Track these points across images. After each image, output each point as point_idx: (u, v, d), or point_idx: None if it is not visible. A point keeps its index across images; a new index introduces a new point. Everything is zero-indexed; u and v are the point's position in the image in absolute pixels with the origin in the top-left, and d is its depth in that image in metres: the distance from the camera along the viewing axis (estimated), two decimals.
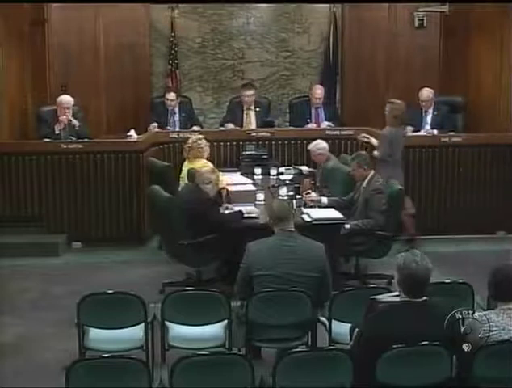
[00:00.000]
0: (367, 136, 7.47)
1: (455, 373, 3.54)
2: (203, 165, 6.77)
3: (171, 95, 8.69)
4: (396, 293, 3.67)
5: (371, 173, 6.44)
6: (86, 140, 7.76)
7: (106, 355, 3.71)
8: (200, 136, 7.19)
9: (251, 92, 8.80)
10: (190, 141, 7.08)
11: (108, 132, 9.01)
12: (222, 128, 8.73)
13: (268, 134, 8.37)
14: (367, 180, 6.41)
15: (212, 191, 6.15)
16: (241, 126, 8.70)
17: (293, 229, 4.66)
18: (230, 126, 8.64)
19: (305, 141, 7.79)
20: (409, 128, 8.28)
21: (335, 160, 7.33)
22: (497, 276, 3.64)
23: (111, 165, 7.54)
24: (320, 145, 7.29)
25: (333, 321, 4.41)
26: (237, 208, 6.22)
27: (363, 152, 6.78)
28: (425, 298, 3.53)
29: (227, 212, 6.25)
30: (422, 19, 9.55)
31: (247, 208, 6.21)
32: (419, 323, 3.47)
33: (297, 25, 9.79)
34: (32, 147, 7.65)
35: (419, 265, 3.51)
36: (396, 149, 7.11)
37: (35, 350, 5.21)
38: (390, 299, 3.72)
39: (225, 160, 8.17)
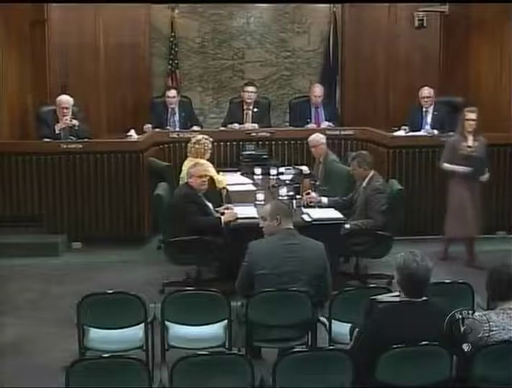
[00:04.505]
0: None
1: (455, 373, 3.54)
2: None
3: (172, 93, 8.70)
4: (396, 293, 3.66)
5: (371, 173, 6.43)
6: (85, 140, 7.76)
7: (106, 355, 3.70)
8: (207, 136, 7.16)
9: (252, 89, 8.80)
10: (199, 136, 7.06)
11: (108, 132, 9.01)
12: (223, 128, 8.72)
13: (268, 134, 8.38)
14: (366, 180, 6.41)
15: (203, 183, 6.14)
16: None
17: (293, 228, 4.66)
18: (236, 126, 8.61)
19: (305, 141, 7.78)
20: (405, 128, 8.28)
21: (333, 154, 7.42)
22: (496, 275, 3.64)
23: (111, 165, 7.54)
24: (320, 135, 7.41)
25: (333, 321, 4.41)
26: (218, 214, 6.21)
27: (364, 152, 6.78)
28: (425, 298, 3.53)
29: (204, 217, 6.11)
30: (422, 19, 9.54)
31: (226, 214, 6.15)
32: (419, 323, 3.47)
33: (297, 25, 9.80)
34: (32, 147, 7.65)
35: (419, 265, 3.50)
36: None
37: (35, 350, 5.20)
38: (390, 299, 3.71)
39: (225, 160, 8.18)
